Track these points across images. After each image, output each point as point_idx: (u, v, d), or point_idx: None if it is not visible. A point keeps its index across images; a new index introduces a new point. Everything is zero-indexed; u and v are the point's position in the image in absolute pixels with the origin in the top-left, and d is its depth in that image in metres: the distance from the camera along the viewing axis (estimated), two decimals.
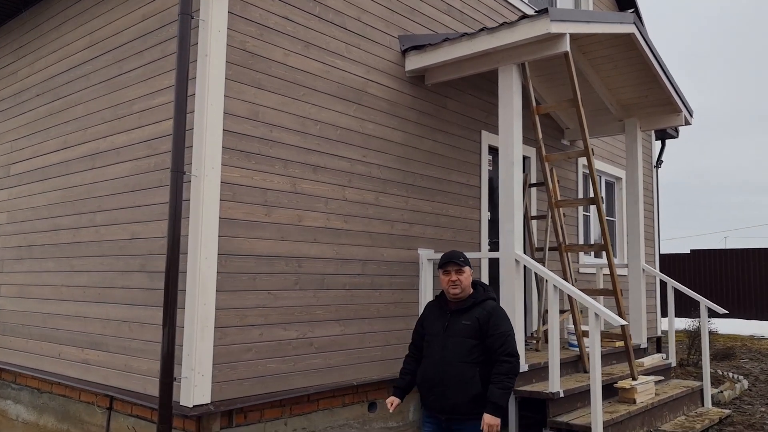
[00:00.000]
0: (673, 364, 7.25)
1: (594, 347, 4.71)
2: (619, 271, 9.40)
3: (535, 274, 7.19)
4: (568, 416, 5.10)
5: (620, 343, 6.82)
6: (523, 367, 5.27)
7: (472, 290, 3.79)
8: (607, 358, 6.61)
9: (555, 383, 5.00)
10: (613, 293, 5.71)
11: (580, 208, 8.73)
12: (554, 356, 5.01)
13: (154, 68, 4.85)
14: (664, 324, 13.02)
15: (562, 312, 7.36)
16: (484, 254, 5.88)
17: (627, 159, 7.79)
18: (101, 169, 5.19)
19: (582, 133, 5.58)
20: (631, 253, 7.59)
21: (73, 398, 5.25)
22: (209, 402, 4.13)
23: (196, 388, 4.06)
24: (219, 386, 4.21)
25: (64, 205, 5.60)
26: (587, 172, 9.11)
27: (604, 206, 5.93)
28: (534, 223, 7.40)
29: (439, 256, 5.88)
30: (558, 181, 7.52)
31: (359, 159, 5.40)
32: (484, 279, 6.59)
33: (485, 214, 6.83)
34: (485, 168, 6.91)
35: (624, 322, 4.70)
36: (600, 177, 9.51)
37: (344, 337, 5.10)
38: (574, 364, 6.18)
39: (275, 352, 4.59)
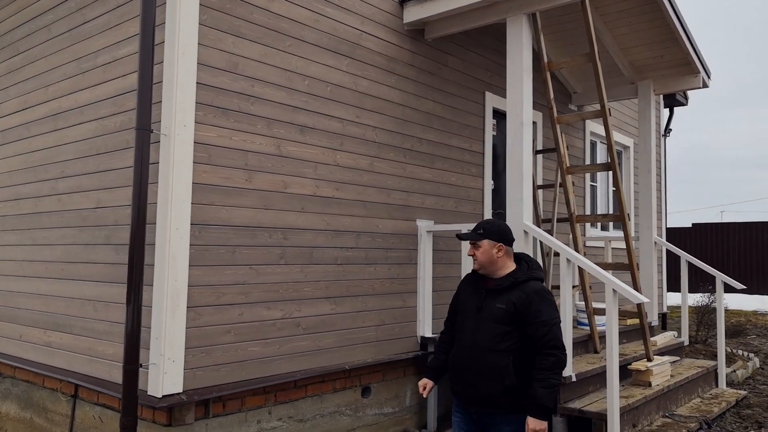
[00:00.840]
0: (686, 343, 6.83)
1: (611, 328, 4.25)
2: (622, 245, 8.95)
3: (541, 246, 6.72)
4: (580, 401, 4.67)
5: (632, 321, 6.39)
6: None
7: (514, 266, 3.24)
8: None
9: (568, 366, 4.56)
10: (629, 267, 5.25)
11: (587, 178, 8.23)
12: (566, 338, 4.55)
13: (119, 14, 4.27)
14: (670, 299, 12.66)
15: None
16: None
17: (639, 124, 7.27)
18: (64, 130, 4.64)
19: (599, 90, 5.05)
20: (642, 225, 7.12)
21: (36, 384, 4.78)
22: (181, 391, 3.66)
23: (165, 375, 3.59)
24: (192, 373, 3.74)
25: (26, 172, 5.06)
26: (594, 139, 8.59)
27: (621, 173, 5.40)
28: (540, 192, 6.90)
29: (438, 228, 5.40)
30: (567, 147, 7.00)
31: (352, 120, 4.86)
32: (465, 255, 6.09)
33: (489, 183, 6.32)
34: (489, 133, 6.38)
35: (646, 299, 4.25)
36: (600, 143, 8.99)
37: (335, 316, 4.63)
38: (584, 344, 5.74)
39: (257, 333, 4.11)
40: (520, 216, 4.84)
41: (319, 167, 4.57)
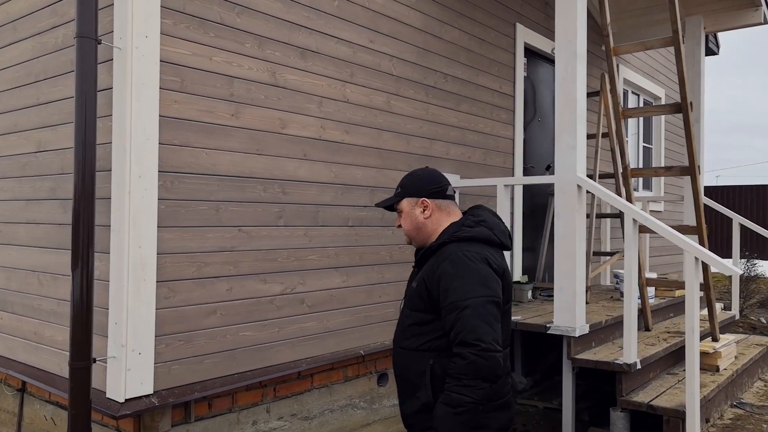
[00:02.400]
0: (737, 317, 6.04)
1: (692, 304, 3.39)
2: (656, 207, 8.11)
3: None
4: (644, 393, 3.85)
5: (680, 292, 5.56)
6: (583, 328, 3.97)
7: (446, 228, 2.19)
8: (663, 311, 5.36)
9: (631, 351, 3.72)
10: (697, 231, 4.37)
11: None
12: (631, 316, 3.70)
13: None
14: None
15: (604, 254, 6.06)
16: (532, 179, 4.46)
17: (687, 68, 6.30)
18: None
19: (671, 11, 4.07)
20: (687, 184, 6.23)
21: None
22: (152, 392, 2.76)
23: (129, 372, 2.69)
24: (167, 368, 2.84)
25: None
26: (627, 89, 7.63)
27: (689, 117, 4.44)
28: None
29: (465, 183, 4.49)
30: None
31: (365, 45, 3.88)
32: (516, 215, 5.22)
33: (519, 132, 5.39)
34: (520, 72, 5.41)
35: (738, 271, 3.38)
36: (638, 96, 8.05)
37: (346, 290, 3.73)
38: None
39: (251, 314, 3.21)
40: (573, 167, 3.92)
41: (325, 103, 3.61)
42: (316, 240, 3.56)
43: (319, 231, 3.58)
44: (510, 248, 2.21)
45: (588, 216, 5.68)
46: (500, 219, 2.23)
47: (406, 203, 2.23)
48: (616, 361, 3.77)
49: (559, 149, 4.00)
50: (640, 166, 8.10)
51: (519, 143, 5.37)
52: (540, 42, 5.70)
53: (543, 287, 5.59)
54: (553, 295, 5.70)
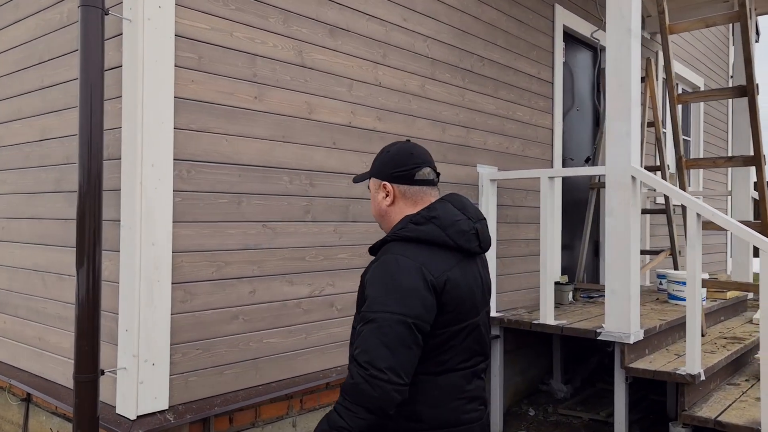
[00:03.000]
0: None
1: None
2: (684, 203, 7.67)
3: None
4: (708, 407, 3.47)
5: (732, 294, 5.16)
6: (638, 334, 3.60)
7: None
8: (715, 314, 4.96)
9: (695, 360, 3.34)
10: (760, 226, 3.98)
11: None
12: (695, 322, 3.32)
13: None
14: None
15: (645, 252, 5.67)
16: (579, 170, 4.08)
17: (736, 51, 5.89)
18: None
19: None
20: (737, 177, 5.82)
21: None
22: (167, 407, 2.45)
23: (142, 386, 2.38)
24: (183, 380, 2.53)
25: None
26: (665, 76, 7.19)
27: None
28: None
29: (503, 176, 4.14)
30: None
31: (398, 23, 3.54)
32: (544, 211, 4.84)
33: (558, 121, 5.01)
34: (559, 57, 5.03)
35: None
36: (677, 84, 7.61)
37: None
38: (684, 325, 4.50)
39: (277, 319, 2.89)
40: (627, 156, 3.55)
41: (356, 86, 3.27)
42: (347, 237, 3.24)
43: (349, 227, 3.25)
44: (477, 251, 1.76)
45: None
46: (468, 212, 1.77)
47: (372, 183, 1.87)
48: (677, 372, 3.40)
49: (611, 138, 3.63)
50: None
51: (558, 133, 5.00)
52: (579, 24, 5.32)
53: (583, 288, 5.22)
54: (593, 297, 5.37)
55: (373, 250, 1.81)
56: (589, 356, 5.46)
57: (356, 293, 1.88)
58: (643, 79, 5.30)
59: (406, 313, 1.58)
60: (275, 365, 2.89)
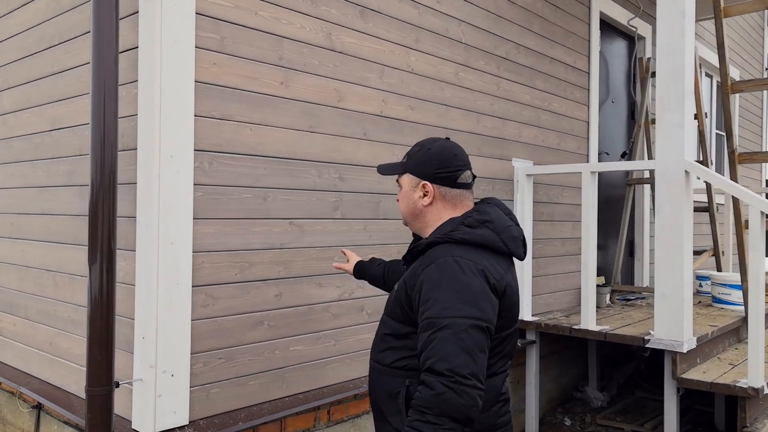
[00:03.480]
0: None
1: None
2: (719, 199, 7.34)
3: (652, 198, 5.17)
4: None
5: None
6: (691, 342, 3.33)
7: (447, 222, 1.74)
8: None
9: (758, 372, 3.07)
10: None
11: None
12: (758, 331, 3.04)
13: None
14: None
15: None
16: (624, 164, 3.81)
17: None
18: (4, 18, 3.13)
19: None
20: None
21: None
22: (186, 423, 2.24)
23: (160, 399, 2.16)
24: (204, 393, 2.31)
25: None
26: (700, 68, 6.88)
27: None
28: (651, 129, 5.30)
29: (540, 170, 3.89)
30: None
31: (431, 6, 3.29)
32: (586, 209, 4.57)
33: (594, 113, 4.74)
34: (595, 45, 4.76)
35: None
36: (711, 77, 7.29)
37: None
38: (735, 332, 4.21)
39: (304, 324, 2.67)
40: (680, 149, 3.28)
41: (387, 73, 3.04)
42: (377, 235, 3.00)
43: (380, 225, 3.02)
44: (522, 257, 1.75)
45: (653, 209, 5.01)
46: (513, 218, 1.77)
47: (407, 179, 1.78)
48: (737, 384, 3.12)
49: (662, 129, 3.36)
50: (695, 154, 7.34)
51: (594, 126, 4.73)
52: (615, 11, 5.04)
53: (621, 290, 4.95)
54: (630, 299, 5.10)
55: (415, 251, 1.71)
56: (623, 361, 5.19)
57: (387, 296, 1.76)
58: None
59: (480, 316, 1.53)
60: (302, 375, 2.66)
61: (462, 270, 1.55)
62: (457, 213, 1.74)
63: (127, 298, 2.28)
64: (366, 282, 2.41)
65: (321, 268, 2.74)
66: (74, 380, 2.61)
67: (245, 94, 2.43)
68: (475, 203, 1.79)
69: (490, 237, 1.64)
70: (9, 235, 3.09)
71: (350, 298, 2.88)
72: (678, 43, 3.31)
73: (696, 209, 5.34)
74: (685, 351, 3.29)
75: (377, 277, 2.25)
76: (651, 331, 3.53)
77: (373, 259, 2.32)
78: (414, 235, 1.87)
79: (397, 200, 1.83)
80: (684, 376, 3.33)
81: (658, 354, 3.76)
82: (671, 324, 3.31)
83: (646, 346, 3.41)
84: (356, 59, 2.87)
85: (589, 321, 3.71)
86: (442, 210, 1.74)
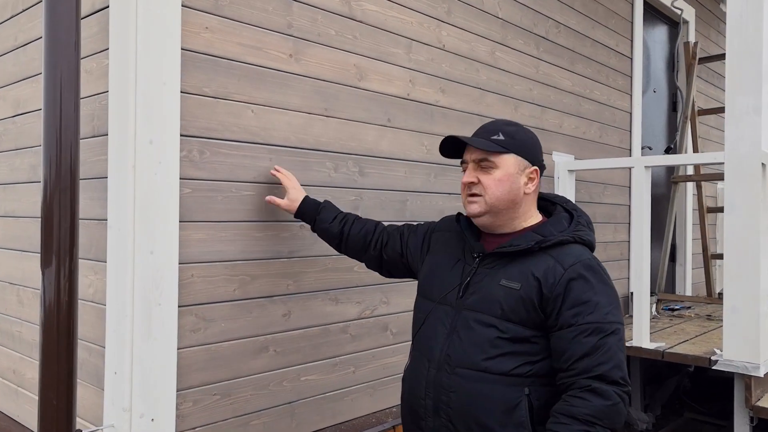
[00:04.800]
0: None
1: None
2: None
3: (696, 197, 4.68)
4: None
5: None
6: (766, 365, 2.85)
7: (539, 217, 1.67)
8: None
9: None
10: None
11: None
12: None
13: None
14: None
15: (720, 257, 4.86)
16: (682, 158, 3.33)
17: None
18: None
19: None
20: None
21: None
22: None
23: None
24: None
25: None
26: None
27: None
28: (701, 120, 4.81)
29: (582, 166, 3.41)
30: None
31: None
32: (639, 209, 4.11)
33: (638, 103, 4.26)
34: (639, 27, 4.28)
35: None
36: None
37: None
38: None
39: (317, 349, 2.20)
40: (756, 138, 2.80)
41: (415, 48, 2.57)
42: None
43: None
44: None
45: (697, 210, 4.54)
46: None
47: (512, 160, 1.59)
48: None
49: (733, 115, 2.87)
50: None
51: (637, 117, 4.25)
52: None
53: (667, 300, 4.46)
54: (675, 309, 4.62)
55: (529, 249, 1.55)
56: (665, 377, 4.71)
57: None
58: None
59: (624, 322, 1.57)
60: (316, 409, 2.20)
61: (605, 273, 1.56)
62: (535, 206, 1.67)
63: (98, 321, 1.83)
64: (391, 293, 1.98)
65: (337, 281, 2.27)
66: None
67: (246, 67, 1.97)
68: (544, 198, 1.72)
69: (594, 240, 1.64)
70: None
71: (372, 315, 2.41)
72: (752, 15, 2.83)
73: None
74: (761, 375, 2.80)
75: (332, 234, 1.95)
76: (717, 350, 3.05)
77: (327, 204, 1.98)
78: (463, 220, 1.72)
79: (471, 182, 1.60)
80: (760, 404, 2.85)
81: (706, 369, 3.30)
82: (743, 343, 2.82)
83: (714, 368, 2.93)
84: (379, 31, 2.41)
85: (642, 337, 3.23)
86: (533, 202, 1.66)
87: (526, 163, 1.59)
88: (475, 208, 1.61)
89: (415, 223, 1.93)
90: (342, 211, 1.98)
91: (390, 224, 2.00)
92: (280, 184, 2.02)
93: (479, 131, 1.65)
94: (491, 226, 1.64)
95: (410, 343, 1.81)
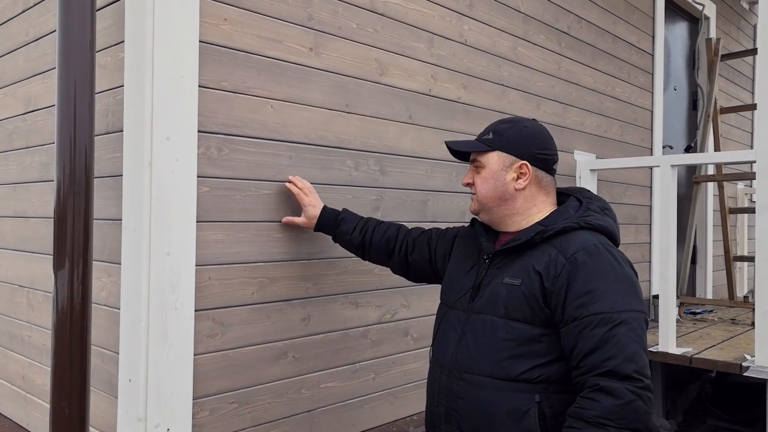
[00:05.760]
0: None
1: None
2: None
3: (719, 197, 4.57)
4: None
5: None
6: None
7: (548, 210, 1.59)
8: None
9: None
10: None
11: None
12: None
13: None
14: None
15: (744, 259, 4.75)
16: (706, 157, 3.22)
17: None
18: None
19: None
20: None
21: None
22: None
23: None
24: None
25: None
26: None
27: None
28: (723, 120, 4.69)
29: (604, 165, 3.32)
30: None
31: None
32: (665, 209, 4.01)
33: (659, 101, 4.15)
34: (661, 23, 4.17)
35: None
36: None
37: None
38: None
39: (336, 355, 2.12)
40: None
41: (437, 43, 2.48)
42: None
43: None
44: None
45: (718, 211, 4.43)
46: None
47: (495, 158, 1.57)
48: None
49: (764, 113, 2.77)
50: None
51: (659, 115, 4.14)
52: None
53: (688, 303, 4.35)
54: (698, 313, 4.50)
55: (529, 242, 1.48)
56: (686, 382, 4.59)
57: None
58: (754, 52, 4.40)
59: (644, 309, 1.45)
60: (335, 418, 2.11)
61: (615, 259, 1.44)
62: (550, 203, 1.59)
63: (111, 326, 1.75)
64: (412, 296, 1.90)
65: (358, 284, 2.19)
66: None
67: (265, 61, 1.89)
68: (562, 192, 1.65)
69: (613, 226, 1.55)
70: None
71: (392, 320, 2.32)
72: None
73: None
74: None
75: (355, 245, 1.91)
76: (747, 356, 2.95)
77: (346, 213, 1.92)
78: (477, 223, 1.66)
79: (467, 183, 1.63)
80: None
81: (728, 375, 3.19)
82: None
83: (745, 374, 2.82)
84: (401, 24, 2.32)
85: (669, 342, 3.12)
86: (536, 195, 1.57)
87: (511, 158, 1.56)
88: (471, 206, 1.64)
89: (444, 227, 1.87)
90: (362, 218, 1.93)
91: (415, 226, 1.93)
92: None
93: (481, 132, 1.65)
94: (492, 223, 1.62)
95: (427, 347, 1.75)
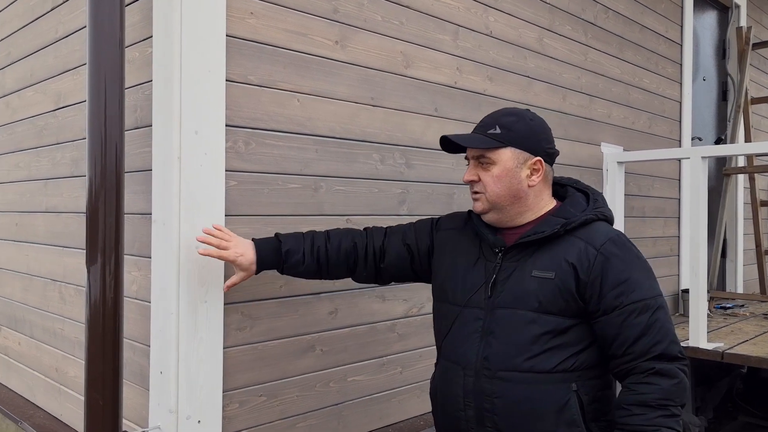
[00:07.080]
0: None
1: None
2: None
3: (750, 190, 4.46)
4: None
5: None
6: None
7: (553, 203, 1.57)
8: None
9: None
10: None
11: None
12: None
13: None
14: None
15: None
16: (738, 148, 3.15)
17: None
18: None
19: None
20: None
21: None
22: None
23: None
24: None
25: None
26: None
27: None
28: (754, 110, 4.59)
29: (632, 157, 3.26)
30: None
31: None
32: (696, 202, 3.94)
33: (687, 92, 4.07)
34: (689, 12, 4.09)
35: None
36: None
37: None
38: None
39: (364, 348, 2.12)
40: None
41: (462, 35, 2.46)
42: None
43: None
44: None
45: (748, 203, 4.32)
46: None
47: (509, 154, 1.50)
48: None
49: None
50: None
51: (687, 107, 4.06)
52: None
53: (718, 297, 4.27)
54: (728, 307, 4.41)
55: (554, 234, 1.46)
56: (716, 378, 4.50)
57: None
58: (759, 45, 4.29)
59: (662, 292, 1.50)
60: (363, 411, 2.11)
61: (635, 248, 1.50)
62: (550, 193, 1.58)
63: (141, 319, 1.77)
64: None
65: None
66: (83, 416, 2.12)
67: (291, 54, 1.89)
68: (558, 183, 1.63)
69: (613, 216, 1.60)
70: (13, 238, 2.62)
71: (419, 314, 2.31)
72: None
73: None
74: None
75: (310, 272, 1.68)
76: None
77: (287, 241, 1.64)
78: (474, 218, 1.61)
79: (470, 180, 1.54)
80: None
81: (759, 370, 3.12)
82: None
83: None
84: (426, 16, 2.31)
85: (699, 337, 3.07)
86: (543, 191, 1.55)
87: (526, 155, 1.50)
88: (478, 206, 1.54)
89: (405, 223, 1.77)
90: (303, 237, 1.67)
91: (372, 226, 1.80)
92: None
93: (478, 125, 1.56)
94: (500, 222, 1.55)
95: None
